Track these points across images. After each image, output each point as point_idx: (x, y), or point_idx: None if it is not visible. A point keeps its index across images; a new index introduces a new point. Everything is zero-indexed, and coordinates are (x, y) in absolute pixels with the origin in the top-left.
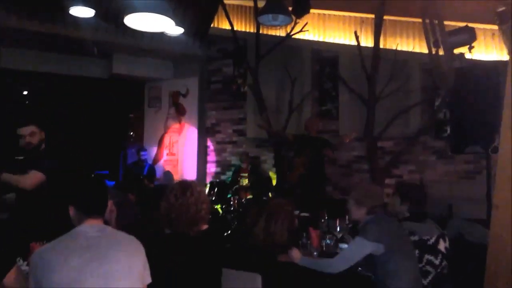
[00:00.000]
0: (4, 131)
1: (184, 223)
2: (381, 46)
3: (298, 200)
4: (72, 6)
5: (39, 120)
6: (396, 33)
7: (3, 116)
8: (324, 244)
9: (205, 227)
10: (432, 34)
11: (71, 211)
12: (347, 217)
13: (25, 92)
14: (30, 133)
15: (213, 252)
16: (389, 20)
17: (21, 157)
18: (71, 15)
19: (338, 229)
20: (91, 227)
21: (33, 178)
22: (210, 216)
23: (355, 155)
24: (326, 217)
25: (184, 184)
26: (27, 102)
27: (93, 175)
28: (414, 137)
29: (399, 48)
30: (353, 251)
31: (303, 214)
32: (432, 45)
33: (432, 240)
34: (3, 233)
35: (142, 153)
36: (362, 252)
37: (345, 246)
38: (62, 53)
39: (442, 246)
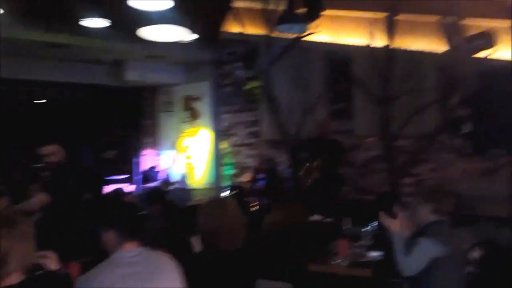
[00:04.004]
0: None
1: (222, 241)
2: (395, 45)
3: (317, 205)
4: (85, 17)
5: (59, 139)
6: (409, 32)
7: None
8: (353, 253)
9: (240, 243)
10: (450, 37)
11: (110, 235)
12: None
13: (41, 101)
14: (51, 153)
15: (249, 269)
16: (402, 19)
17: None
18: (83, 25)
19: (367, 236)
20: (130, 251)
21: (37, 202)
22: None
23: (371, 155)
24: (351, 223)
25: (220, 202)
26: (43, 112)
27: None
28: (431, 136)
29: (413, 48)
30: (421, 255)
31: (327, 220)
32: (451, 49)
33: (465, 248)
34: None
35: (156, 158)
36: (429, 256)
37: (375, 254)
38: (74, 62)
39: (476, 255)
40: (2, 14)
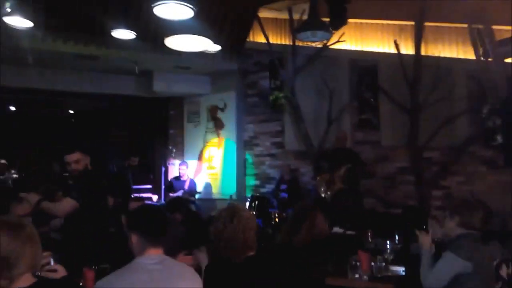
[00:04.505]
0: (55, 149)
1: (232, 251)
2: (423, 53)
3: (340, 217)
4: (113, 29)
5: (83, 146)
6: (438, 40)
7: (52, 134)
8: (374, 266)
9: (251, 253)
10: (480, 42)
11: (134, 238)
12: (396, 236)
13: (71, 111)
14: (76, 160)
15: (260, 279)
16: (430, 26)
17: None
18: (112, 36)
19: (388, 250)
20: (151, 258)
21: (66, 207)
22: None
23: (398, 166)
24: (373, 237)
25: (232, 211)
26: (72, 120)
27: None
28: (462, 147)
29: (442, 55)
30: (444, 269)
31: (348, 232)
32: (481, 55)
33: (494, 265)
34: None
35: (182, 167)
36: (453, 270)
37: (397, 268)
38: (103, 73)
39: (504, 272)
40: (34, 27)
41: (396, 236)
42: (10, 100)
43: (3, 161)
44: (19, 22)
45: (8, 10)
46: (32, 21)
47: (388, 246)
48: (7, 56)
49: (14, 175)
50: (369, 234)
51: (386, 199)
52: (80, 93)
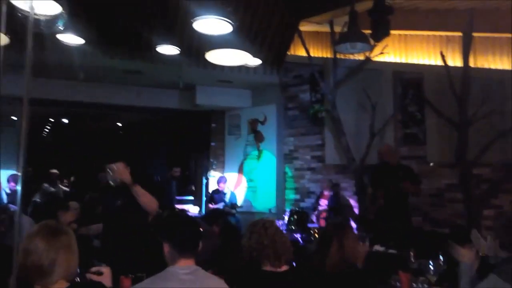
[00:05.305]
0: (101, 161)
1: (266, 261)
2: (471, 65)
3: (382, 235)
4: (158, 44)
5: (125, 156)
6: (487, 51)
7: (101, 145)
8: None
9: (285, 268)
10: None
11: (166, 248)
12: (441, 256)
13: (119, 124)
14: (119, 171)
15: None
16: (479, 36)
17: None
18: (157, 52)
19: (432, 271)
20: (183, 268)
21: (156, 204)
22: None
23: (446, 183)
24: (417, 256)
25: (263, 223)
26: (121, 132)
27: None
28: None
29: (492, 67)
30: None
31: (390, 251)
32: None
33: None
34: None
35: (221, 184)
36: None
37: None
38: (149, 87)
39: None
40: (85, 44)
41: (441, 257)
42: (62, 113)
43: (55, 171)
44: (71, 39)
45: (61, 28)
46: (83, 38)
47: (431, 267)
48: (59, 71)
49: (65, 188)
50: (412, 253)
51: (433, 217)
52: (126, 106)
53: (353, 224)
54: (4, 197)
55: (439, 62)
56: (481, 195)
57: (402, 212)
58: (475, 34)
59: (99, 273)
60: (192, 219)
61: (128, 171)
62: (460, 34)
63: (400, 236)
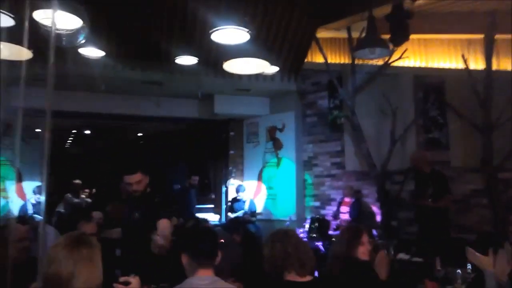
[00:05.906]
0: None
1: (291, 269)
2: (494, 67)
3: (408, 241)
4: (177, 56)
5: (143, 166)
6: (510, 53)
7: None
8: None
9: (309, 278)
10: None
11: (184, 259)
12: (469, 264)
13: (140, 134)
14: (137, 181)
15: None
16: (501, 39)
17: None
18: (176, 63)
19: (458, 279)
20: (202, 279)
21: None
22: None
23: (471, 189)
24: (443, 264)
25: (285, 231)
26: (141, 142)
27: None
28: None
29: None
30: None
31: (415, 259)
32: None
33: None
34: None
35: (239, 194)
36: None
37: None
38: (168, 97)
39: None
40: (106, 56)
41: (469, 264)
42: (84, 125)
43: (78, 181)
44: (92, 52)
45: (83, 41)
46: (103, 51)
47: (458, 275)
48: (81, 83)
49: (88, 199)
50: (438, 261)
51: (459, 224)
52: (147, 116)
53: (375, 232)
54: (30, 207)
55: (461, 66)
56: (508, 200)
57: (433, 219)
58: (497, 36)
59: (127, 283)
60: (211, 229)
61: (147, 181)
62: (481, 36)
63: (426, 244)
